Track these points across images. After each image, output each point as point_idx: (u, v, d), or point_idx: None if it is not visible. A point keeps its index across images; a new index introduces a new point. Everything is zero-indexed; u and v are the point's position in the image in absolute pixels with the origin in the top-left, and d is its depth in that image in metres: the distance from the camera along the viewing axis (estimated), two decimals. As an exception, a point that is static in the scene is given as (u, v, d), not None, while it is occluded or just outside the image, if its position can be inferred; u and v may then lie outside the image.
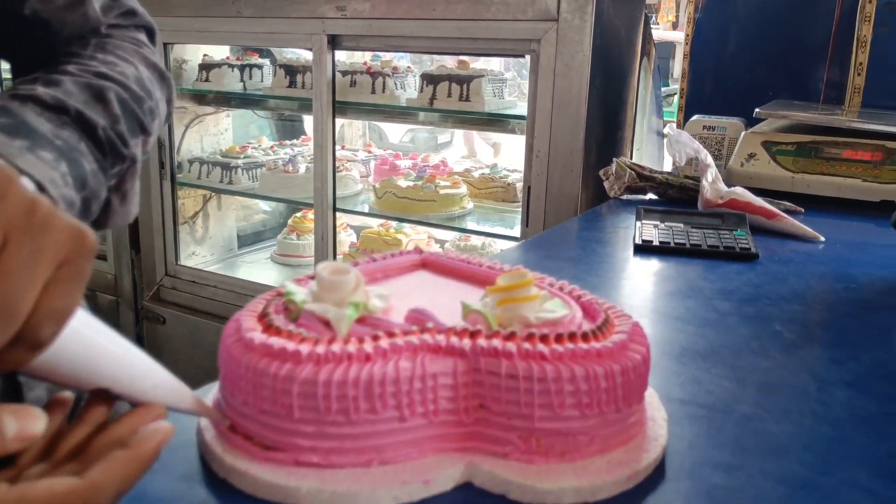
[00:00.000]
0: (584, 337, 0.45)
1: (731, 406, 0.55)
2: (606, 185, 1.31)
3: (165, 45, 2.16)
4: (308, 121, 2.45)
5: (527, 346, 0.44)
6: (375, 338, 0.43)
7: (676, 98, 1.93)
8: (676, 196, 1.26)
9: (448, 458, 0.44)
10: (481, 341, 0.44)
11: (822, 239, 1.02)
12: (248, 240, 2.64)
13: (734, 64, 1.80)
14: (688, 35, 1.87)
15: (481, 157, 2.64)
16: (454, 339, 0.44)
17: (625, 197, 1.30)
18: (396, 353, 0.43)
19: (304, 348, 0.42)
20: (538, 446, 0.44)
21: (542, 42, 1.59)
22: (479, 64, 2.03)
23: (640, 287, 0.84)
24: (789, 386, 0.59)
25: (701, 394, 0.57)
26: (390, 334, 0.44)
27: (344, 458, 0.42)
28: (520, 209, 1.76)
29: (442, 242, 2.35)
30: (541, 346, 0.44)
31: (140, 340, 2.33)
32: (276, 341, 0.43)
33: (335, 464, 0.42)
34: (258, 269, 2.46)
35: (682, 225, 1.02)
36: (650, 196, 1.29)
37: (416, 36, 1.74)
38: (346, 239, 2.49)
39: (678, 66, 2.05)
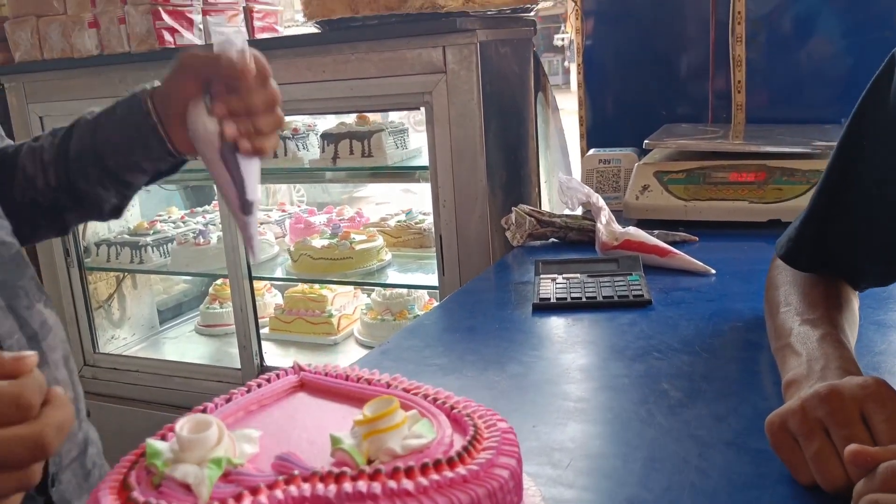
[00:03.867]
0: (450, 463, 0.45)
1: (616, 490, 0.56)
2: (508, 234, 1.32)
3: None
4: (215, 188, 2.41)
5: (392, 484, 0.43)
6: (238, 497, 0.42)
7: (577, 128, 1.97)
8: (577, 238, 1.28)
9: None
10: (346, 486, 0.44)
11: (713, 272, 1.05)
12: (170, 314, 2.58)
13: (625, 90, 1.85)
14: (579, 64, 1.91)
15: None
16: (319, 487, 0.44)
17: (530, 243, 1.32)
18: None
19: None
20: None
21: (433, 94, 1.61)
22: (379, 117, 2.04)
23: (535, 353, 0.84)
24: (672, 455, 0.60)
25: (588, 479, 0.58)
26: (254, 491, 0.43)
27: None
28: (436, 256, 1.77)
29: (368, 292, 2.34)
30: (405, 483, 0.43)
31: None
32: None
33: None
34: (183, 343, 2.40)
35: (578, 276, 1.04)
36: (552, 240, 1.31)
37: (310, 98, 1.74)
38: (270, 301, 2.46)
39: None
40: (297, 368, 0.62)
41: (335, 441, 0.48)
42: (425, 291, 2.18)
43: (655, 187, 1.37)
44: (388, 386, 0.56)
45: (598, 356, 0.83)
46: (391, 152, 1.85)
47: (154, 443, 0.48)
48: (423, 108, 1.66)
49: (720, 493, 0.54)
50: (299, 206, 2.67)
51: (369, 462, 0.47)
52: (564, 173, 2.03)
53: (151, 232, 2.26)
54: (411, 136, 1.98)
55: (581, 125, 1.94)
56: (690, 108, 1.78)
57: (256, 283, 2.10)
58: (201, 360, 2.24)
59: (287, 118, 2.09)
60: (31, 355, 0.44)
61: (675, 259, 1.09)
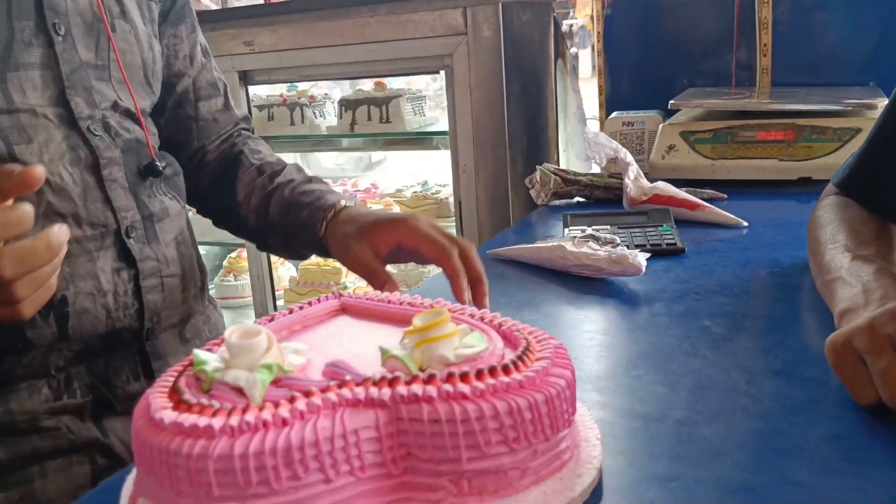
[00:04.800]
0: (506, 369, 0.44)
1: (665, 413, 0.54)
2: (533, 193, 1.30)
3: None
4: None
5: (447, 387, 0.42)
6: (292, 399, 0.41)
7: (596, 95, 1.94)
8: (603, 196, 1.26)
9: None
10: (401, 389, 0.42)
11: (745, 224, 1.03)
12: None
13: (647, 56, 1.82)
14: (599, 32, 1.88)
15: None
16: (373, 391, 0.42)
17: (553, 203, 1.30)
18: (314, 412, 0.41)
19: (217, 422, 0.39)
20: (470, 488, 0.42)
21: (454, 57, 1.59)
22: (398, 83, 2.02)
23: (570, 297, 0.83)
24: (720, 384, 0.58)
25: (635, 403, 0.57)
26: (307, 394, 0.42)
27: None
28: (454, 224, 1.75)
29: (383, 265, 2.33)
30: (461, 386, 0.42)
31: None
32: (188, 418, 0.40)
33: None
34: (198, 314, 2.40)
35: (608, 227, 1.02)
36: (577, 199, 1.30)
37: (327, 63, 1.72)
38: (285, 274, 2.45)
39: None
40: (338, 294, 0.61)
41: (385, 352, 0.47)
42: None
43: (682, 147, 1.35)
44: (432, 308, 0.55)
45: (634, 298, 0.81)
46: (409, 119, 1.83)
47: (200, 352, 0.47)
48: (442, 73, 1.65)
49: (774, 416, 0.53)
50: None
51: (422, 371, 0.45)
52: (583, 141, 2.01)
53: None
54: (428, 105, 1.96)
55: (600, 94, 1.91)
56: (712, 75, 1.75)
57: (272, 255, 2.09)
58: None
59: (304, 85, 2.09)
60: (39, 169, 0.52)
61: (705, 212, 1.07)
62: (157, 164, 0.82)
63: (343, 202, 0.86)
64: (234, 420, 0.40)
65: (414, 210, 2.14)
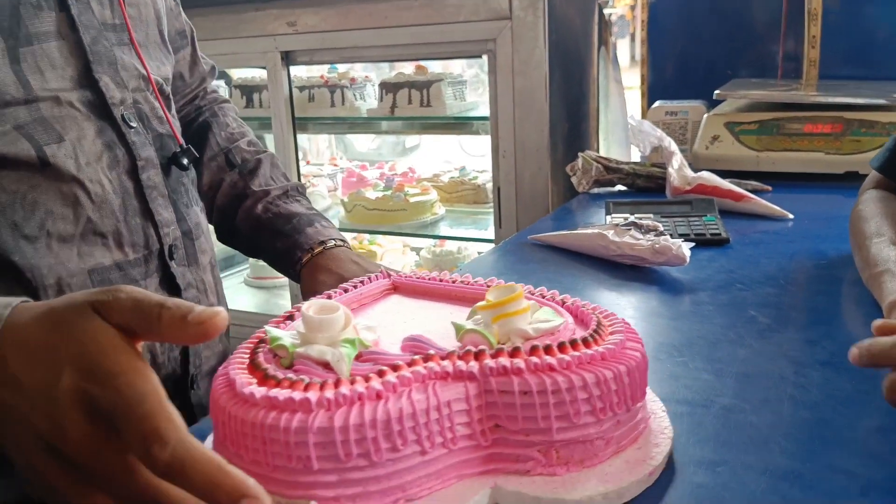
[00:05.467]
0: (585, 342, 0.45)
1: (711, 399, 0.54)
2: (574, 180, 1.30)
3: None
4: (269, 139, 2.43)
5: (534, 359, 0.43)
6: (381, 373, 0.42)
7: (638, 85, 1.93)
8: (644, 185, 1.25)
9: (471, 483, 0.43)
10: (488, 361, 0.43)
11: (791, 216, 1.02)
12: (221, 265, 2.61)
13: (691, 46, 1.80)
14: (643, 21, 1.87)
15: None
16: (461, 364, 0.43)
17: (594, 190, 1.30)
18: (406, 385, 0.41)
19: (313, 395, 0.40)
20: (558, 457, 0.43)
21: (497, 41, 1.59)
22: (437, 67, 2.02)
23: (612, 284, 0.83)
24: (767, 373, 0.58)
25: (680, 389, 0.57)
26: (394, 367, 0.42)
27: (369, 502, 0.40)
28: (492, 210, 1.75)
29: (417, 250, 2.34)
30: (548, 358, 0.43)
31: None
32: (280, 392, 0.41)
33: None
34: (233, 294, 2.43)
35: (651, 215, 1.02)
36: (619, 187, 1.29)
37: (369, 45, 1.73)
38: (320, 255, 2.47)
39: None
40: (386, 274, 0.62)
41: (459, 327, 0.47)
42: (475, 250, 2.17)
43: (726, 137, 1.33)
44: (488, 286, 0.55)
45: (677, 286, 0.81)
46: (450, 103, 1.83)
47: (273, 329, 0.48)
48: (485, 57, 1.64)
49: (822, 406, 0.53)
50: (350, 162, 2.67)
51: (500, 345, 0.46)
52: (623, 130, 1.99)
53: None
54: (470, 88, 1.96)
55: (642, 83, 1.89)
56: (758, 65, 1.73)
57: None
58: (254, 309, 2.27)
59: (344, 67, 2.10)
60: (222, 313, 0.38)
61: (750, 203, 1.06)
62: (181, 155, 0.71)
63: (320, 239, 0.81)
64: (329, 393, 0.40)
65: (451, 195, 2.14)
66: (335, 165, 2.54)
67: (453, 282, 0.58)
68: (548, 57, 1.56)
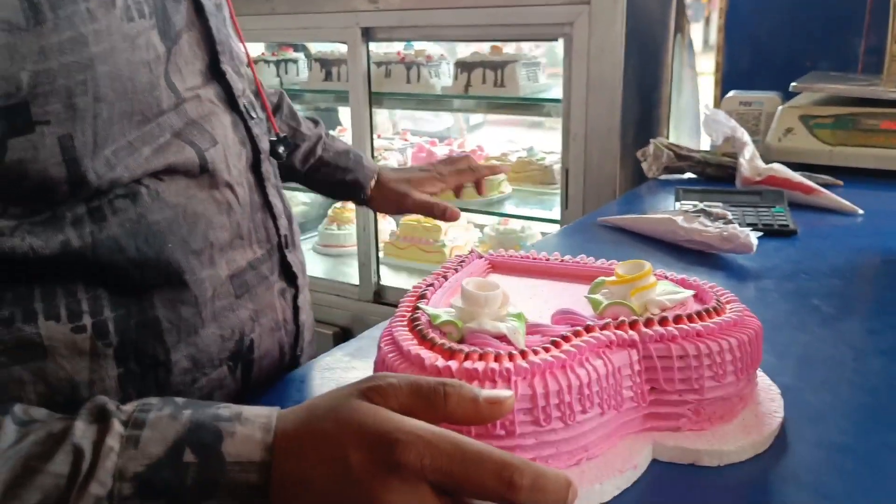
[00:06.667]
0: (716, 311, 0.50)
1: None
2: (644, 165, 1.33)
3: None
4: (342, 112, 2.49)
5: (684, 326, 0.48)
6: (556, 344, 0.46)
7: (712, 71, 1.92)
8: (714, 174, 1.27)
9: (634, 441, 0.48)
10: (646, 330, 0.48)
11: (861, 212, 1.03)
12: (291, 232, 2.69)
13: (770, 36, 1.79)
14: (721, 8, 1.86)
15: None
16: (621, 333, 0.48)
17: (663, 177, 1.32)
18: (581, 353, 0.46)
19: (510, 366, 0.43)
20: (705, 415, 0.49)
21: (574, 25, 1.61)
22: (511, 48, 2.05)
23: (679, 268, 0.86)
24: (827, 357, 0.61)
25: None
26: (565, 338, 0.47)
27: (559, 462, 0.45)
28: (558, 191, 1.78)
29: (481, 227, 2.38)
30: (696, 326, 0.48)
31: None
32: (479, 365, 0.44)
33: None
34: (302, 260, 2.51)
35: (720, 204, 1.04)
36: (688, 175, 1.31)
37: (447, 25, 1.76)
38: (386, 227, 2.53)
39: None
40: (477, 255, 0.65)
41: (596, 302, 0.52)
42: (538, 230, 2.20)
43: (800, 130, 1.34)
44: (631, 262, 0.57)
45: (743, 273, 0.83)
46: (523, 84, 1.86)
47: (428, 307, 0.51)
48: (560, 40, 1.66)
49: (880, 391, 0.55)
50: (420, 138, 2.72)
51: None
52: (694, 118, 1.99)
53: (282, 149, 2.36)
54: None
55: (717, 71, 1.89)
56: (838, 58, 1.70)
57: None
58: (321, 275, 2.35)
59: (420, 45, 2.14)
60: (509, 395, 0.38)
61: (820, 197, 1.07)
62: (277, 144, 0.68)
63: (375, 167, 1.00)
64: (523, 363, 0.44)
65: (518, 175, 2.18)
66: (405, 140, 2.59)
67: (546, 259, 0.62)
68: (624, 42, 1.58)
